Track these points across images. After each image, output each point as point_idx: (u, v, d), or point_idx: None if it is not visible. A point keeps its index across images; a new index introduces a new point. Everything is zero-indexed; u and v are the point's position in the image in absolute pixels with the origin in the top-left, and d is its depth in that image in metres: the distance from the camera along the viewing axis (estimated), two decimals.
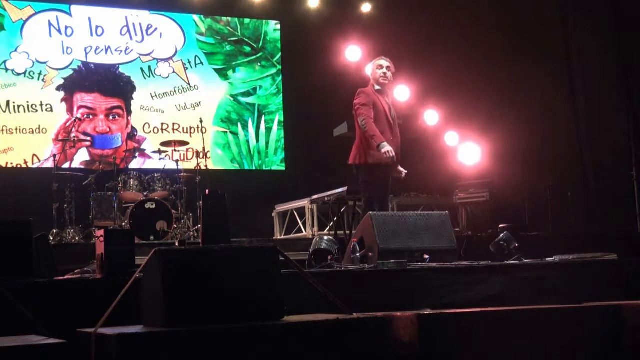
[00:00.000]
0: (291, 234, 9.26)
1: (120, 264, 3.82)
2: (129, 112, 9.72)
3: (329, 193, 7.16)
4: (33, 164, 9.14)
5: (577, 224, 8.70)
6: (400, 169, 6.45)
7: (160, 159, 8.54)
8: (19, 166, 9.07)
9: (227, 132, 10.17)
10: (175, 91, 9.96)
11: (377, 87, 6.38)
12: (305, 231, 8.90)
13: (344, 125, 8.23)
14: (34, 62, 9.30)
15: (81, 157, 9.34)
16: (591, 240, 7.17)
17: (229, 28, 10.37)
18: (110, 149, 9.45)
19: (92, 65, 9.59)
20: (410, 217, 5.53)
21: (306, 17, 10.39)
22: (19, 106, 9.18)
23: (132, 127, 9.71)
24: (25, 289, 3.56)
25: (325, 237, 5.73)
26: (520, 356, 3.58)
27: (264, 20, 10.53)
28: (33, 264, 3.86)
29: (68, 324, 3.28)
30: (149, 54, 9.87)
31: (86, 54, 9.55)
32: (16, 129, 9.12)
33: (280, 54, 10.57)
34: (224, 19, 10.32)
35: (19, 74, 9.22)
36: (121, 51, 9.72)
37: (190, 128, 9.86)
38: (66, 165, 8.99)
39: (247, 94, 10.36)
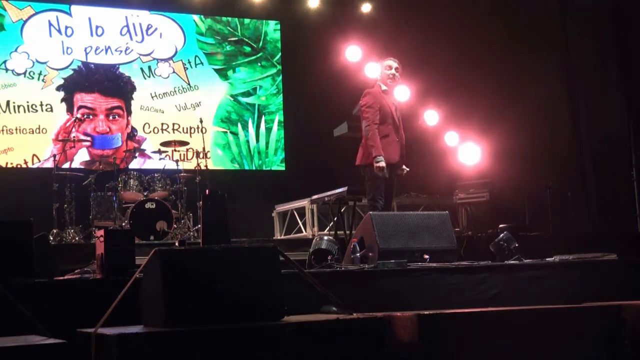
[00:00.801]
0: (291, 234, 9.26)
1: (120, 264, 3.83)
2: (129, 112, 9.72)
3: (329, 193, 7.16)
4: (33, 164, 9.14)
5: (577, 224, 8.70)
6: (403, 166, 6.47)
7: (160, 159, 8.54)
8: (19, 166, 9.07)
9: (227, 132, 10.17)
10: (175, 91, 9.96)
11: (383, 88, 6.39)
12: (305, 231, 8.90)
13: (344, 125, 8.25)
14: (34, 62, 9.30)
15: (81, 157, 9.34)
16: (591, 240, 7.17)
17: (229, 28, 10.37)
18: (110, 149, 9.45)
19: (92, 65, 9.59)
20: (410, 217, 5.53)
21: (306, 17, 10.39)
22: (19, 106, 9.18)
23: (132, 127, 9.71)
24: (25, 289, 3.56)
25: (325, 237, 5.73)
26: (520, 356, 3.58)
27: (264, 20, 10.53)
28: (33, 264, 3.86)
29: (68, 324, 3.28)
30: (149, 54, 9.87)
31: (86, 54, 9.55)
32: (16, 129, 9.12)
33: (280, 54, 10.57)
34: (224, 19, 10.32)
35: (19, 74, 9.22)
36: (121, 51, 9.72)
37: (190, 128, 9.86)
38: (66, 165, 8.98)
39: (247, 94, 10.36)
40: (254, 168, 10.28)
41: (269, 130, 10.39)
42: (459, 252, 5.89)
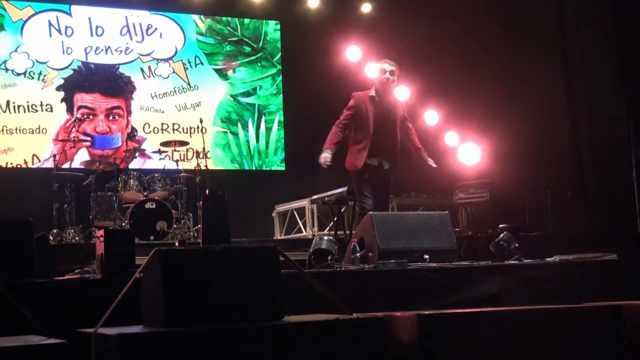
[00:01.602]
0: (291, 234, 9.26)
1: (120, 264, 3.82)
2: (129, 112, 9.72)
3: (329, 193, 7.16)
4: (33, 164, 9.14)
5: (577, 224, 8.70)
6: (428, 160, 6.46)
7: (160, 159, 8.54)
8: (19, 166, 9.07)
9: (227, 132, 10.17)
10: (175, 91, 9.96)
11: (371, 94, 6.40)
12: (305, 231, 8.90)
13: None
14: (34, 62, 9.30)
15: (81, 157, 9.34)
16: (591, 240, 7.16)
17: (229, 28, 10.37)
18: (110, 149, 9.45)
19: (92, 65, 9.59)
20: (410, 217, 5.53)
21: (306, 17, 10.39)
22: (19, 106, 9.18)
23: (132, 127, 9.71)
24: (25, 289, 3.56)
25: (325, 237, 5.73)
26: (520, 356, 3.58)
27: (264, 21, 10.53)
28: (33, 264, 3.86)
29: (68, 324, 3.28)
30: (149, 54, 9.87)
31: (86, 54, 9.55)
32: (16, 129, 9.12)
33: (280, 54, 10.57)
34: (224, 19, 10.32)
35: (19, 74, 9.22)
36: (121, 51, 9.72)
37: (190, 128, 9.86)
38: (66, 165, 8.99)
39: (247, 94, 10.36)
40: (254, 168, 10.28)
41: (269, 130, 10.39)
42: (459, 252, 5.88)
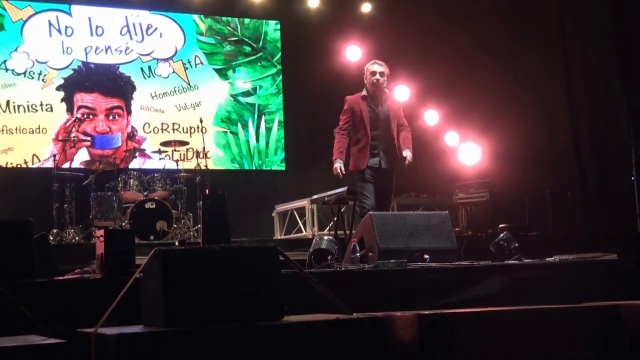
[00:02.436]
0: (291, 234, 9.26)
1: (120, 264, 3.82)
2: (129, 112, 9.72)
3: (329, 193, 7.16)
4: (33, 164, 9.14)
5: (577, 224, 8.70)
6: (405, 155, 6.43)
7: (160, 159, 8.54)
8: (19, 166, 9.07)
9: (227, 132, 10.17)
10: (175, 91, 9.96)
11: (364, 93, 6.42)
12: (305, 231, 8.90)
13: None
14: (34, 62, 9.30)
15: (81, 157, 9.34)
16: (591, 240, 7.17)
17: (229, 28, 10.37)
18: (110, 149, 9.45)
19: (92, 65, 9.59)
20: (410, 217, 5.53)
21: (306, 17, 10.39)
22: (19, 106, 9.18)
23: (132, 127, 9.71)
24: (25, 289, 3.56)
25: (325, 237, 5.73)
26: (520, 356, 3.58)
27: (264, 20, 10.53)
28: (33, 264, 3.86)
29: (68, 324, 3.28)
30: (149, 54, 9.87)
31: (86, 54, 9.55)
32: (16, 129, 9.12)
33: (280, 54, 10.57)
34: (224, 19, 10.32)
35: (19, 74, 9.22)
36: (121, 51, 9.71)
37: (190, 128, 9.86)
38: (66, 165, 8.98)
39: (247, 94, 10.36)
40: (254, 168, 10.28)
41: (269, 130, 10.39)
42: (459, 252, 5.88)
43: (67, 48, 9.47)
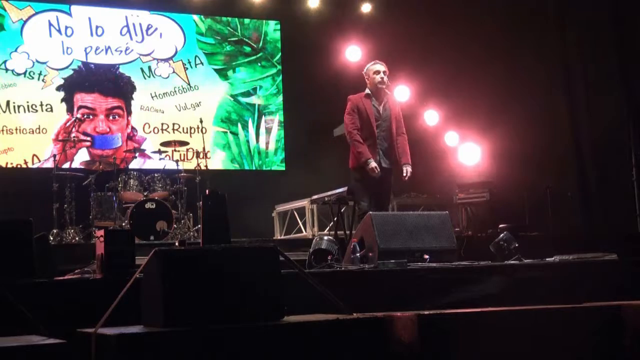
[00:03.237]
0: (291, 234, 9.26)
1: (120, 264, 3.82)
2: (129, 112, 9.72)
3: (329, 193, 7.16)
4: (33, 164, 9.14)
5: (577, 224, 8.69)
6: (405, 169, 6.43)
7: (160, 159, 8.54)
8: (19, 166, 9.08)
9: (227, 132, 10.17)
10: (175, 91, 9.96)
11: (367, 92, 6.41)
12: (305, 231, 8.91)
13: (344, 125, 8.22)
14: (34, 62, 9.30)
15: (81, 157, 9.34)
16: (591, 240, 7.16)
17: (229, 28, 10.37)
18: (110, 149, 9.45)
19: (92, 65, 9.59)
20: (410, 217, 5.53)
21: (306, 17, 10.40)
22: (19, 106, 9.18)
23: (132, 127, 9.71)
24: (25, 289, 3.56)
25: (325, 237, 5.73)
26: (520, 356, 3.58)
27: (264, 20, 10.53)
28: (33, 264, 3.86)
29: (68, 324, 3.28)
30: (149, 54, 9.87)
31: (86, 54, 9.55)
32: (16, 129, 9.13)
33: (280, 54, 10.57)
34: (224, 19, 10.32)
35: (19, 74, 9.23)
36: (121, 51, 9.72)
37: (190, 128, 9.86)
38: (66, 165, 8.98)
39: (247, 94, 10.36)
40: (254, 168, 10.29)
41: (269, 130, 10.39)
42: (459, 252, 5.88)
43: (67, 48, 9.47)
